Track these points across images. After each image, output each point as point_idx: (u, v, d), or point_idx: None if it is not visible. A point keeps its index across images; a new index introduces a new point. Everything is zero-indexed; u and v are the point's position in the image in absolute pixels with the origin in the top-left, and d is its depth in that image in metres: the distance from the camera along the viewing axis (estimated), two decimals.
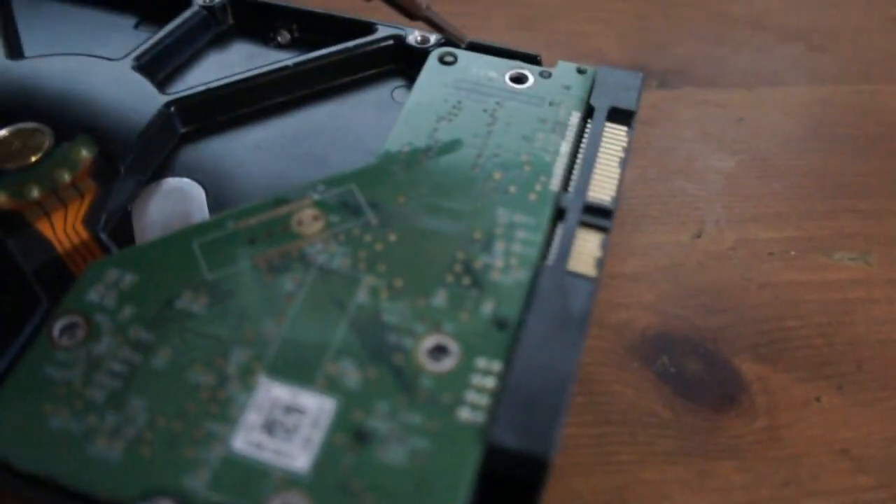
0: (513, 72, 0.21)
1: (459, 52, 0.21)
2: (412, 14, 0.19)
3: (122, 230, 0.19)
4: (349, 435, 0.14)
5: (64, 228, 0.18)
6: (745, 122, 0.25)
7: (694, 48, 0.28)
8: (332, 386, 0.15)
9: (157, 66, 0.22)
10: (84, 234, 0.18)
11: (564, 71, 0.21)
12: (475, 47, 0.22)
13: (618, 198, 0.18)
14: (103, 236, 0.18)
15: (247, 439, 0.14)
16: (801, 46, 0.29)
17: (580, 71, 0.21)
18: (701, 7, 0.30)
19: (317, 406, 0.15)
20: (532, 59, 0.21)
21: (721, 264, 0.22)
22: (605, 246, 0.17)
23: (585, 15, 0.30)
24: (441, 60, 0.21)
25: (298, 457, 0.14)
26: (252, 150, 0.20)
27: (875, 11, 0.30)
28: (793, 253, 0.22)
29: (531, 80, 0.21)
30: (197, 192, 0.19)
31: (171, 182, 0.20)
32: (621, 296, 0.21)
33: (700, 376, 0.19)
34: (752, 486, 0.18)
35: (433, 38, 0.22)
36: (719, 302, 0.21)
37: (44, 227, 0.18)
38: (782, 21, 0.30)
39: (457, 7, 0.20)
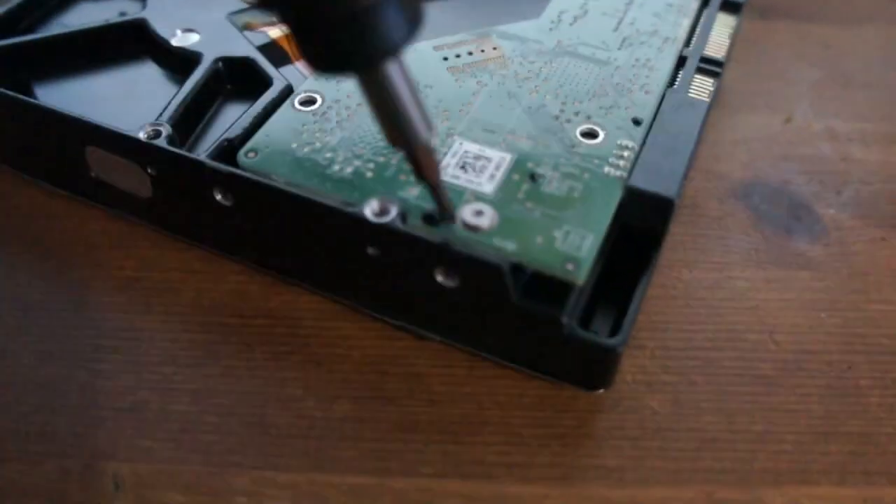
0: None
1: None
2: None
3: None
4: (523, 175, 0.19)
5: None
6: (832, 49, 0.30)
7: None
8: (510, 147, 0.20)
9: None
10: None
11: None
12: None
13: (727, 59, 0.23)
14: None
15: (447, 174, 0.19)
16: None
17: None
18: None
19: (498, 157, 0.20)
20: None
21: (807, 142, 0.26)
22: (715, 86, 0.22)
23: None
24: None
25: (485, 185, 0.19)
26: None
27: None
28: (872, 140, 0.26)
29: None
30: None
31: None
32: (721, 153, 0.25)
33: (784, 214, 0.24)
34: (827, 290, 0.22)
35: None
36: (804, 167, 0.25)
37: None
38: None
39: None
